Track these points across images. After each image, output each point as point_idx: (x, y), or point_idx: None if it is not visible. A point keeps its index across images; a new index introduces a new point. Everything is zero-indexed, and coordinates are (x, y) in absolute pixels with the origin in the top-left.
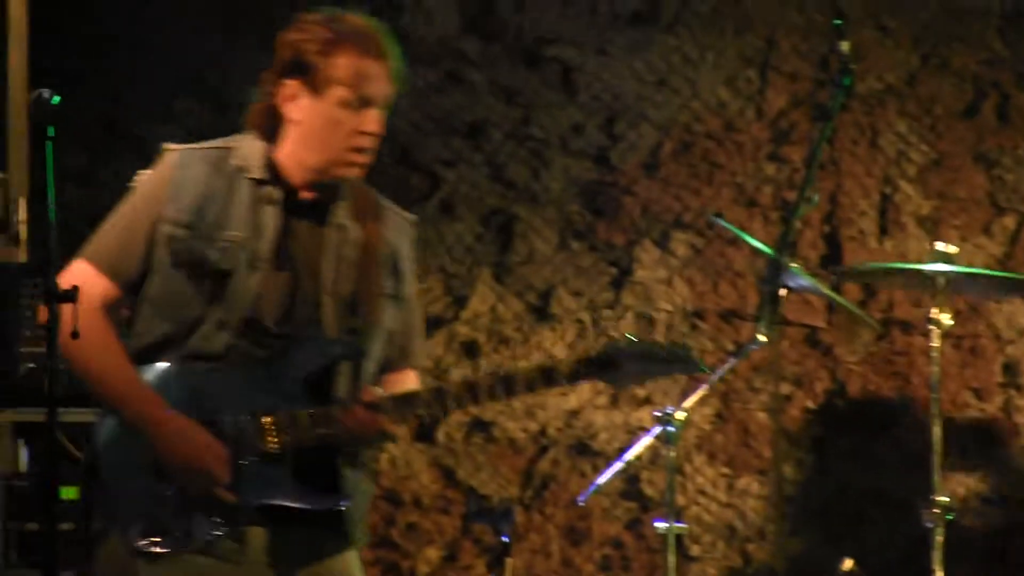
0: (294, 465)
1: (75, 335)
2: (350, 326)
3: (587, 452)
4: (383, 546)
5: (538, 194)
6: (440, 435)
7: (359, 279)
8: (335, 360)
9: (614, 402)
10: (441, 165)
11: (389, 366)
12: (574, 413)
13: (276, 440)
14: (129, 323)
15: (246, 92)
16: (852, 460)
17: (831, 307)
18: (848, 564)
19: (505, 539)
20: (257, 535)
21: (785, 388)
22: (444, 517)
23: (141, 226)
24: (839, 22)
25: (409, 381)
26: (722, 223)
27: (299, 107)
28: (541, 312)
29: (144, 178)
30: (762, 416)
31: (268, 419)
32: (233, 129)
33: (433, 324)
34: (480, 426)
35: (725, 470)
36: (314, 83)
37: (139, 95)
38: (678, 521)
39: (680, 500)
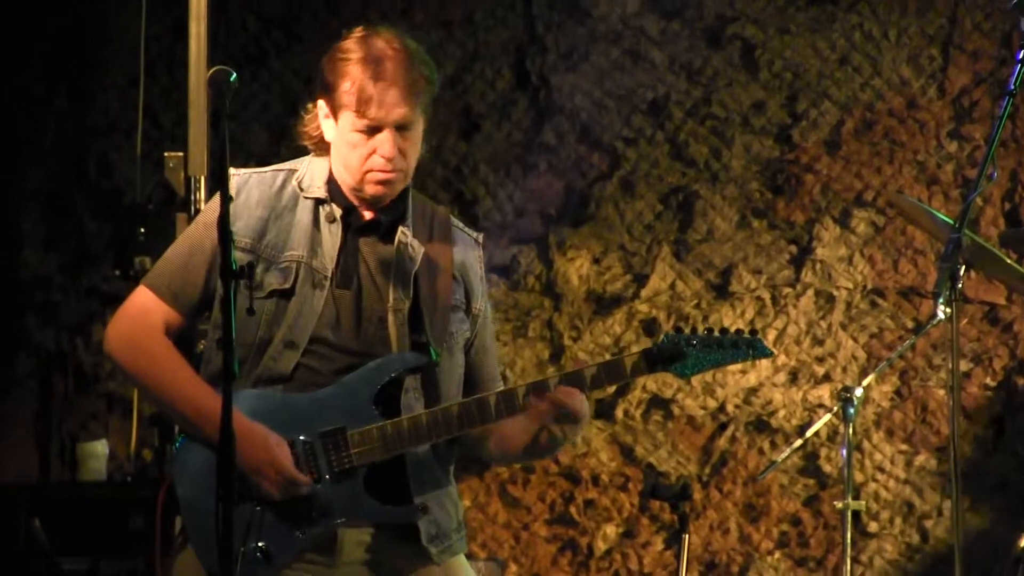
0: (365, 482)
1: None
2: (416, 341)
3: (766, 429)
4: (561, 523)
5: (718, 172)
6: (619, 413)
7: (423, 294)
8: (400, 375)
9: (793, 379)
10: (622, 143)
11: (473, 384)
12: (753, 390)
13: (346, 458)
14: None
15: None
16: None
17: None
18: None
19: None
20: (349, 537)
21: (964, 365)
22: (622, 494)
23: (202, 252)
24: None
25: None
26: (906, 198)
27: (329, 127)
28: (721, 290)
29: (208, 205)
30: (941, 393)
31: (337, 439)
32: None
33: (612, 302)
34: (659, 403)
35: (903, 447)
36: (333, 105)
37: None
38: (856, 498)
39: (858, 477)
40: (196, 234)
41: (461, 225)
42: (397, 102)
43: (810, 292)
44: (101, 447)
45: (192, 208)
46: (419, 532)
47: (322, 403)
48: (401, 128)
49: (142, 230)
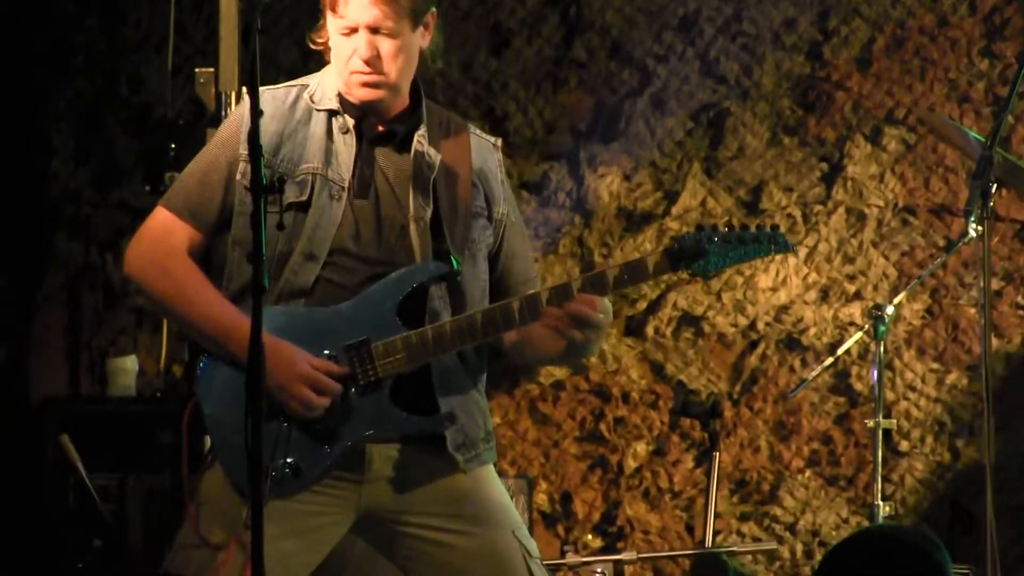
0: (391, 393)
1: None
2: (438, 249)
3: (796, 347)
4: (591, 440)
5: (749, 89)
6: (649, 330)
7: (443, 202)
8: (424, 284)
9: (824, 297)
10: (652, 59)
11: (504, 289)
12: (784, 308)
13: (371, 371)
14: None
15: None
16: None
17: None
18: None
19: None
20: (378, 452)
21: (995, 284)
22: (652, 412)
23: (218, 169)
24: None
25: None
26: (937, 116)
27: (328, 33)
28: (751, 207)
29: (224, 122)
30: (972, 311)
31: (362, 351)
32: None
33: (643, 219)
34: (690, 321)
35: (935, 365)
36: (325, 8)
37: None
38: (887, 416)
39: (889, 395)
40: (212, 152)
41: (478, 131)
42: (368, 2)
43: (841, 210)
44: (131, 362)
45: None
46: (445, 441)
47: (345, 316)
48: (377, 31)
49: (172, 146)
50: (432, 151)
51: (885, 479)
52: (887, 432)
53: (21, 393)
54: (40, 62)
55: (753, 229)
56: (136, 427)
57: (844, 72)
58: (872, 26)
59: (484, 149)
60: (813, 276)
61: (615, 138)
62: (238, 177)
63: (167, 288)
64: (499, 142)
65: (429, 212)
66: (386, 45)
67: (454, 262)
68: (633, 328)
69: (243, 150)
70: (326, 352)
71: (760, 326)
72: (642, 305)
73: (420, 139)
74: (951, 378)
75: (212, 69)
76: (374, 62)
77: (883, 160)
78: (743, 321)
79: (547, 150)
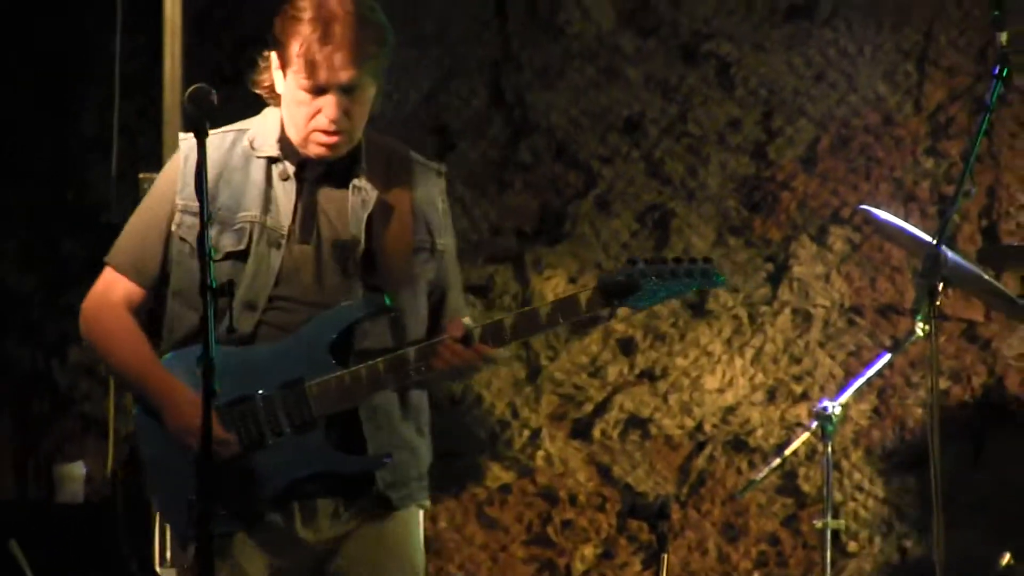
0: (325, 432)
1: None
2: (373, 285)
3: (744, 448)
4: (538, 544)
5: (695, 190)
6: (596, 432)
7: (380, 238)
8: (356, 321)
9: (771, 398)
10: (598, 161)
11: (437, 318)
12: (731, 409)
13: (306, 410)
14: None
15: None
16: (1010, 455)
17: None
18: (1007, 559)
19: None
20: (324, 507)
21: (943, 383)
22: (600, 515)
23: (156, 223)
24: (997, 13)
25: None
26: (880, 215)
27: (279, 80)
28: (698, 308)
29: (161, 174)
30: (919, 411)
31: (297, 390)
32: None
33: (590, 321)
34: (636, 423)
35: (882, 465)
36: (283, 60)
37: None
38: (835, 517)
39: (837, 496)
40: (150, 206)
41: (422, 159)
42: (344, 65)
43: (787, 310)
44: (78, 468)
45: None
46: (375, 479)
47: (280, 355)
48: (348, 90)
49: None
50: (368, 186)
51: None
52: (835, 533)
53: None
54: None
55: (686, 261)
56: (84, 533)
57: (789, 172)
58: (817, 126)
59: (427, 178)
60: (760, 377)
61: (561, 240)
62: (174, 228)
63: (98, 339)
64: (443, 168)
65: (362, 248)
66: (355, 105)
67: (386, 299)
68: (580, 431)
69: (179, 200)
70: (260, 392)
71: (707, 427)
72: (588, 408)
73: (360, 174)
74: (899, 478)
75: (155, 174)
76: (342, 122)
77: (829, 260)
78: (690, 423)
79: (492, 252)
